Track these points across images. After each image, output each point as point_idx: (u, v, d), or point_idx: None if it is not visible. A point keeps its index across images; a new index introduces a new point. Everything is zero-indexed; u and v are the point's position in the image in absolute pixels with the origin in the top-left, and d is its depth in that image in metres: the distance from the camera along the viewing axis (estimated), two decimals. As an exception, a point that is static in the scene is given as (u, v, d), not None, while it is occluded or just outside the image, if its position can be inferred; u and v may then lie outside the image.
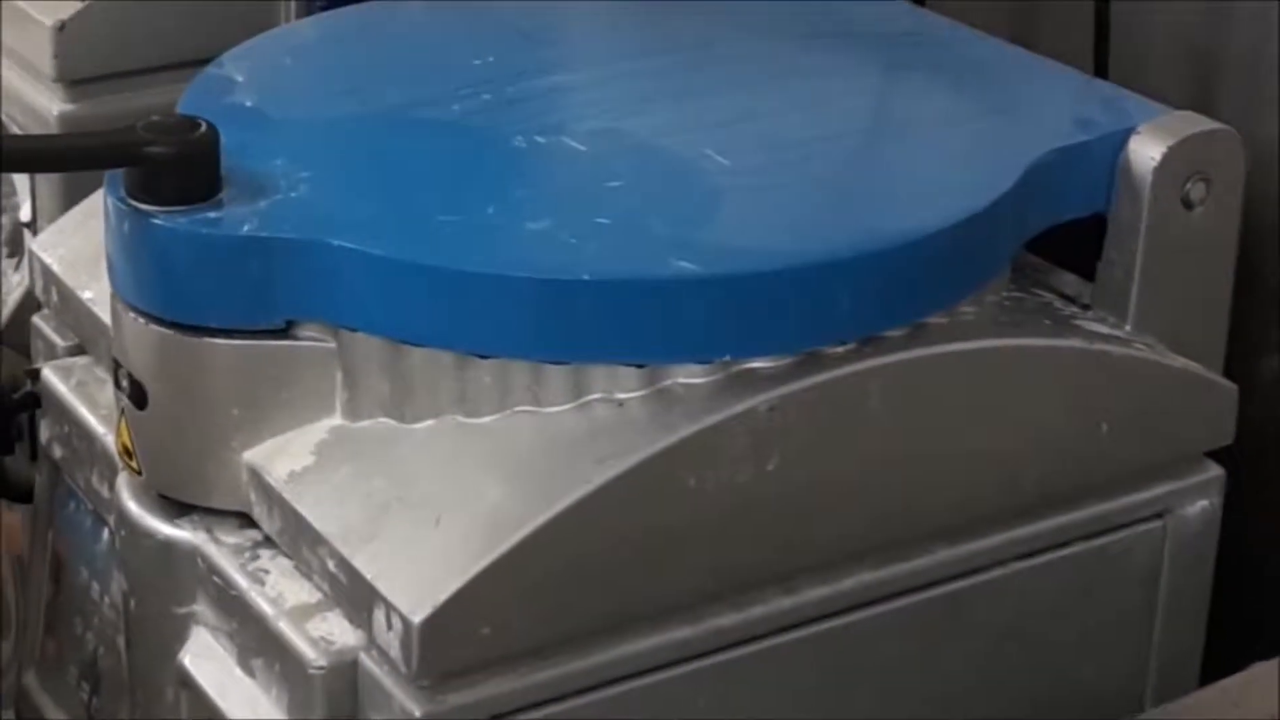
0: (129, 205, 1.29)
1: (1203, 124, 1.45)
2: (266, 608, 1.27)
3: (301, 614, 1.26)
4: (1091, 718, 1.45)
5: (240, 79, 1.48)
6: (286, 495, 1.28)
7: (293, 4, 1.85)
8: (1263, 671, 1.33)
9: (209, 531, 1.33)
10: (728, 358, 1.28)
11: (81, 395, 1.48)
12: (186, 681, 1.33)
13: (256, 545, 1.32)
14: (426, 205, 1.33)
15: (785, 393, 1.27)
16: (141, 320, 1.31)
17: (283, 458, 1.29)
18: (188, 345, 1.29)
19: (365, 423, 1.30)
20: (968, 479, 1.36)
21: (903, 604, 1.35)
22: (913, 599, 1.36)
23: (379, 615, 1.20)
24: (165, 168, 1.28)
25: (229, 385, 1.30)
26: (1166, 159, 1.43)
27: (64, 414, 1.49)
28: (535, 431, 1.27)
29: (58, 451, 1.52)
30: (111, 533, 1.42)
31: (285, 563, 1.30)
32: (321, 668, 1.23)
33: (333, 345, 1.30)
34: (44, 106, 1.81)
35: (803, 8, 1.65)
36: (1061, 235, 1.47)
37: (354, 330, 1.29)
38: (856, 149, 1.47)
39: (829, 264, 1.29)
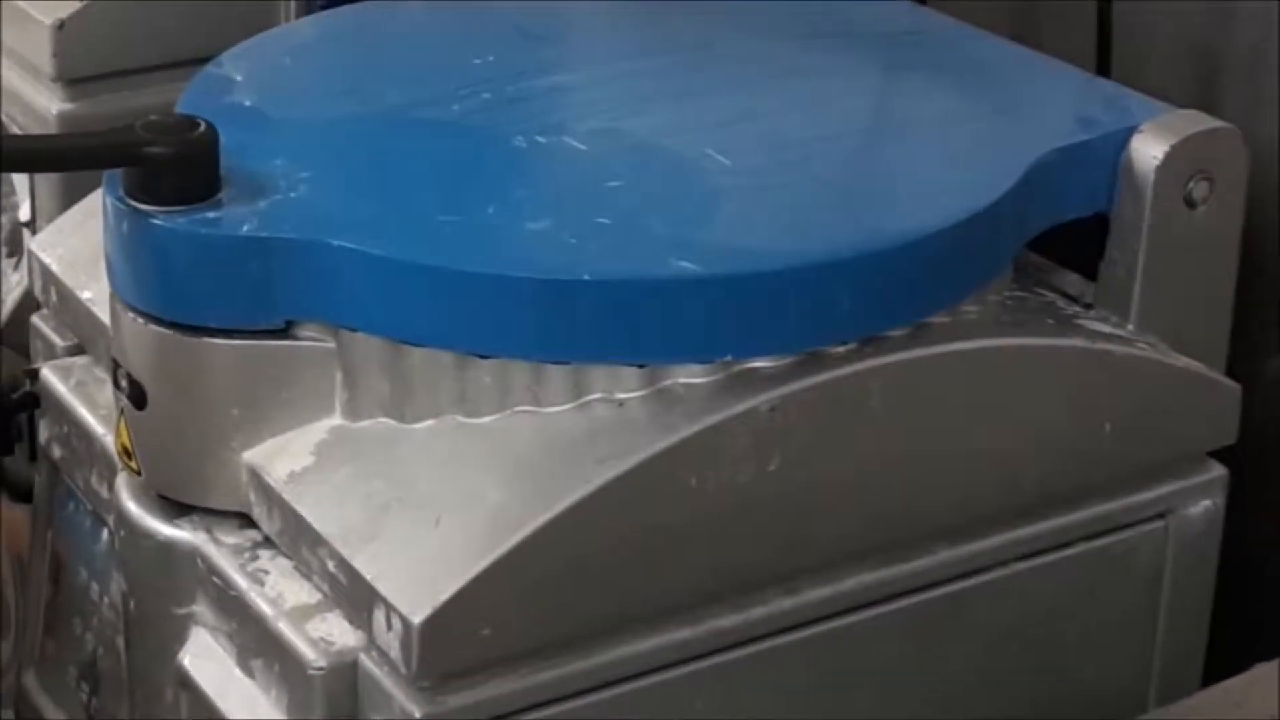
0: (128, 205, 1.29)
1: (1205, 123, 1.45)
2: (266, 608, 1.27)
3: (301, 615, 1.26)
4: (1094, 718, 1.45)
5: (240, 78, 1.48)
6: (286, 496, 1.27)
7: (292, 3, 1.85)
8: (1265, 672, 1.33)
9: (208, 532, 1.33)
10: (729, 358, 1.28)
11: (81, 395, 1.48)
12: (186, 682, 1.33)
13: (256, 546, 1.31)
14: (426, 205, 1.33)
15: (786, 393, 1.27)
16: (140, 320, 1.31)
17: (282, 458, 1.29)
18: (187, 345, 1.29)
19: (365, 423, 1.30)
20: (969, 479, 1.35)
21: (904, 605, 1.35)
22: (914, 600, 1.35)
23: (379, 616, 1.20)
24: (164, 167, 1.28)
25: (228, 385, 1.30)
26: (1169, 158, 1.42)
27: (63, 414, 1.49)
28: (535, 432, 1.27)
29: (57, 452, 1.51)
30: (111, 533, 1.42)
31: (285, 563, 1.30)
32: (321, 668, 1.23)
33: (332, 345, 1.29)
34: (43, 105, 1.81)
35: (803, 7, 1.65)
36: (1064, 234, 1.47)
37: (354, 330, 1.29)
38: (857, 148, 1.47)
39: (830, 264, 1.29)
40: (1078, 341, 1.40)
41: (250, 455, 1.30)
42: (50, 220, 1.64)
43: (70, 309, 1.50)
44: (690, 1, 1.64)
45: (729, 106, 1.48)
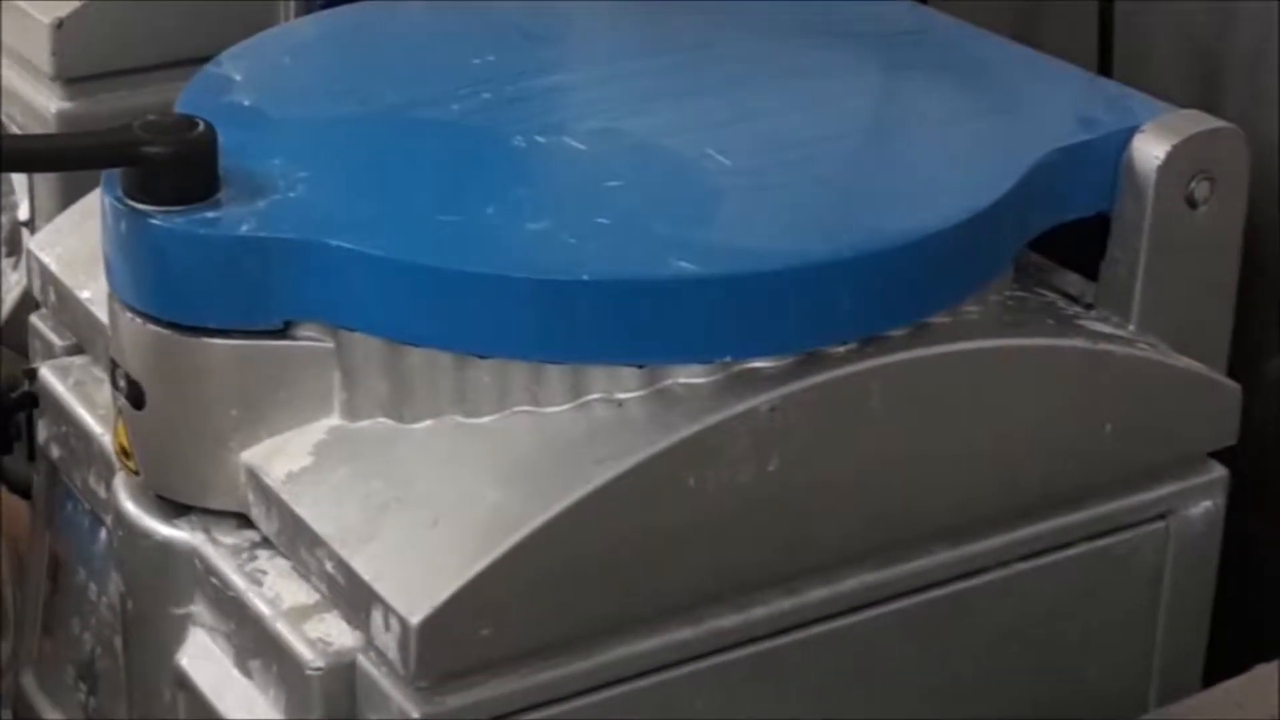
0: (126, 205, 1.29)
1: (1207, 122, 1.45)
2: (264, 609, 1.27)
3: (299, 615, 1.26)
4: (1094, 719, 1.45)
5: (239, 78, 1.48)
6: (284, 496, 1.27)
7: (292, 3, 1.84)
8: (1266, 672, 1.33)
9: (207, 532, 1.33)
10: (728, 358, 1.28)
11: (79, 395, 1.48)
12: (184, 682, 1.32)
13: (254, 546, 1.31)
14: (425, 205, 1.33)
15: (786, 393, 1.26)
16: (139, 320, 1.30)
17: (281, 458, 1.29)
18: (185, 345, 1.29)
19: (364, 423, 1.30)
20: (969, 479, 1.35)
21: (904, 605, 1.35)
22: (914, 600, 1.35)
23: (377, 616, 1.20)
24: (162, 167, 1.28)
25: (227, 385, 1.29)
26: (1170, 158, 1.42)
27: (61, 414, 1.49)
28: (534, 432, 1.27)
29: (55, 451, 1.51)
30: (109, 533, 1.41)
31: (283, 563, 1.29)
32: (319, 669, 1.23)
33: (331, 345, 1.29)
34: (42, 105, 1.81)
35: (803, 7, 1.65)
36: (1065, 234, 1.46)
37: (352, 330, 1.28)
38: (858, 148, 1.47)
39: (830, 264, 1.29)
40: (1078, 342, 1.40)
41: (248, 455, 1.30)
42: (49, 219, 1.64)
43: (68, 308, 1.50)
44: (690, 1, 1.64)
45: (729, 106, 1.48)
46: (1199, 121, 1.45)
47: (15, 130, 1.84)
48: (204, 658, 1.31)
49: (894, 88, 1.56)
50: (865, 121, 1.51)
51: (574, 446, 1.25)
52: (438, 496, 1.24)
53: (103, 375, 1.43)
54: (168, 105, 1.40)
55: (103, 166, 1.32)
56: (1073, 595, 1.42)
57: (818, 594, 1.32)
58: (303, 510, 1.26)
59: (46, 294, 1.53)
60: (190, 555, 1.32)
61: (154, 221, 1.28)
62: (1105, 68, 1.64)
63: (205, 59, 1.52)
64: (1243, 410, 1.45)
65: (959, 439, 1.34)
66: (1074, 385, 1.38)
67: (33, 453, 1.56)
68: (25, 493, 1.59)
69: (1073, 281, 1.50)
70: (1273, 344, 1.61)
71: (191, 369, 1.30)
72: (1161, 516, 1.44)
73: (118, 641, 1.43)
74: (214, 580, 1.31)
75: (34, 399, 1.52)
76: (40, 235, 1.57)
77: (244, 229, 1.27)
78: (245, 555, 1.31)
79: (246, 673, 1.29)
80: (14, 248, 1.90)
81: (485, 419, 1.28)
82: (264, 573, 1.29)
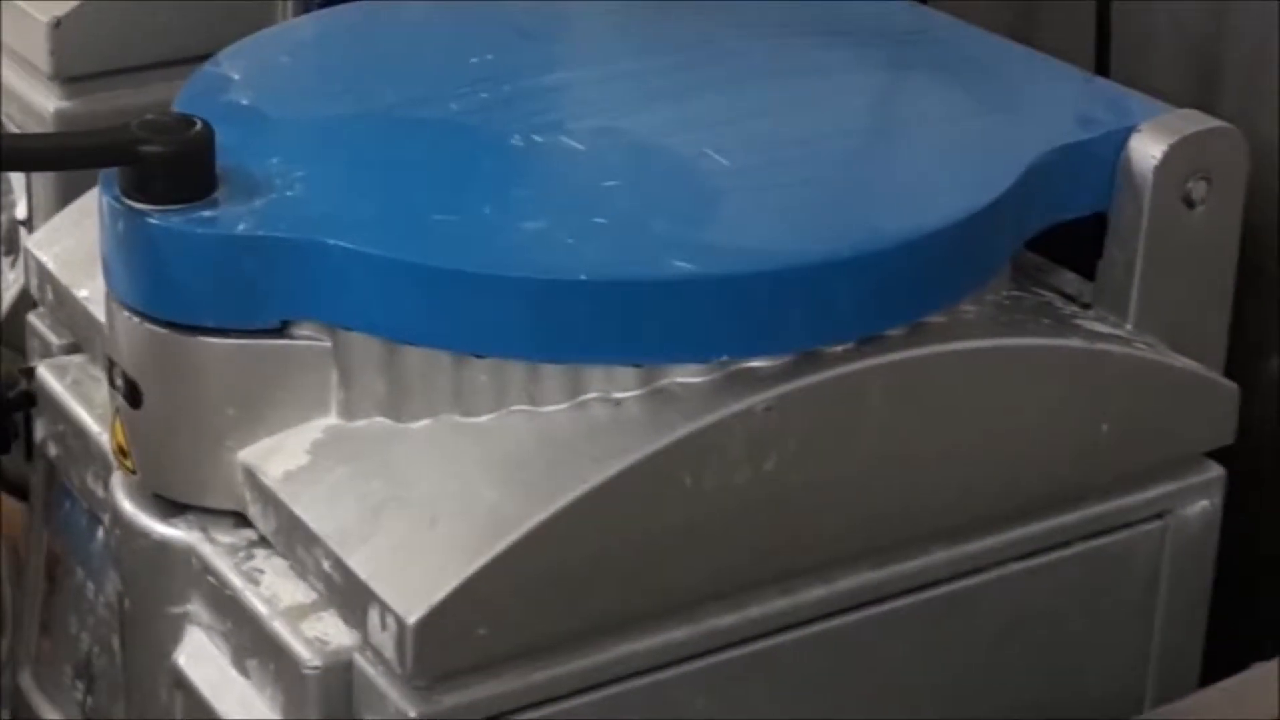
0: (123, 204, 1.29)
1: (1204, 122, 1.45)
2: (261, 608, 1.27)
3: (296, 614, 1.26)
4: (1091, 718, 1.45)
5: (237, 77, 1.48)
6: (282, 495, 1.27)
7: (290, 2, 1.84)
8: (1264, 672, 1.32)
9: (204, 531, 1.33)
10: (725, 357, 1.28)
11: (77, 394, 1.48)
12: (181, 681, 1.32)
13: (251, 545, 1.31)
14: (423, 204, 1.33)
15: (783, 392, 1.26)
16: (136, 319, 1.30)
17: (278, 457, 1.29)
18: (182, 344, 1.29)
19: (361, 422, 1.30)
20: (966, 479, 1.35)
21: (901, 605, 1.35)
22: (911, 600, 1.35)
23: (374, 615, 1.20)
24: (160, 166, 1.28)
25: (224, 384, 1.29)
26: (1168, 157, 1.42)
27: (59, 413, 1.49)
28: (532, 431, 1.27)
29: (53, 450, 1.51)
30: (106, 532, 1.41)
31: (280, 563, 1.29)
32: (316, 668, 1.23)
33: (328, 344, 1.29)
34: (40, 103, 1.81)
35: (802, 6, 1.64)
36: (1062, 234, 1.46)
37: (350, 330, 1.28)
38: (856, 148, 1.47)
39: (828, 263, 1.29)
40: (1076, 341, 1.40)
41: (246, 454, 1.30)
42: (47, 218, 1.64)
43: (66, 307, 1.50)
44: (688, 1, 1.64)
45: (727, 106, 1.48)
46: (1196, 121, 1.45)
47: (13, 129, 1.84)
48: (201, 657, 1.31)
49: (892, 87, 1.56)
50: (863, 121, 1.51)
51: (571, 446, 1.25)
52: (435, 496, 1.24)
53: (100, 374, 1.43)
54: (166, 104, 1.40)
55: (100, 165, 1.32)
56: (1070, 595, 1.42)
57: (815, 593, 1.32)
58: (300, 509, 1.26)
59: (44, 293, 1.53)
60: (187, 554, 1.32)
61: (151, 220, 1.28)
62: (1103, 67, 1.64)
63: (203, 58, 1.52)
64: (1240, 410, 1.45)
65: (956, 438, 1.34)
66: (1071, 385, 1.38)
67: (30, 452, 1.56)
68: (21, 493, 1.58)
69: (1070, 281, 1.50)
70: (1271, 343, 1.61)
71: (188, 368, 1.30)
72: (1159, 516, 1.44)
73: (115, 640, 1.43)
74: (211, 579, 1.31)
75: (32, 398, 1.52)
76: (38, 234, 1.57)
77: (241, 228, 1.27)
78: (242, 554, 1.31)
79: (243, 672, 1.29)
80: (12, 246, 1.90)
81: (482, 418, 1.28)
82: (261, 572, 1.29)
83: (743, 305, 1.27)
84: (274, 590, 1.28)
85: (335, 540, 1.23)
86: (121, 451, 1.36)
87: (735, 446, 1.25)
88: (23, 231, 1.84)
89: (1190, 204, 1.44)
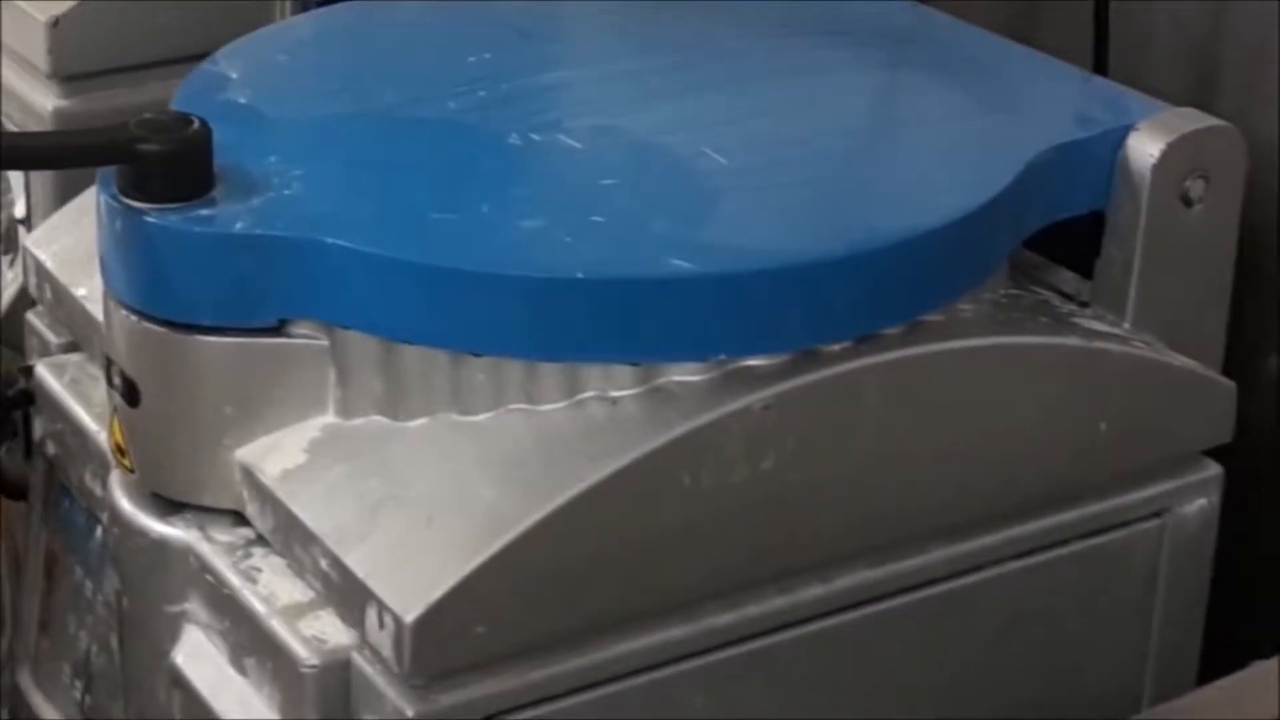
0: (121, 202, 1.29)
1: (1202, 121, 1.45)
2: (259, 606, 1.27)
3: (294, 613, 1.26)
4: (1089, 717, 1.45)
5: (234, 76, 1.48)
6: (279, 493, 1.27)
7: (288, 1, 1.84)
8: (1262, 670, 1.32)
9: (201, 529, 1.33)
10: (723, 356, 1.28)
11: (75, 392, 1.48)
12: (179, 680, 1.32)
13: (249, 543, 1.31)
14: (421, 203, 1.33)
15: (781, 391, 1.26)
16: (133, 318, 1.30)
17: (275, 456, 1.29)
18: (180, 343, 1.29)
19: (358, 421, 1.30)
20: (964, 477, 1.35)
21: (899, 603, 1.35)
22: (909, 598, 1.35)
23: (371, 614, 1.20)
24: (158, 165, 1.28)
25: (221, 383, 1.29)
26: (1165, 156, 1.42)
27: (57, 411, 1.49)
28: (529, 429, 1.27)
29: (51, 449, 1.51)
30: (105, 530, 1.41)
31: (278, 561, 1.29)
32: (313, 667, 1.23)
33: (326, 343, 1.29)
34: (39, 102, 1.81)
35: (801, 5, 1.64)
36: (1060, 232, 1.46)
37: (347, 328, 1.28)
38: (854, 147, 1.47)
39: (825, 262, 1.29)
40: (1073, 340, 1.40)
41: (243, 453, 1.30)
42: (45, 217, 1.64)
43: (64, 306, 1.50)
44: (687, 0, 1.64)
45: (725, 105, 1.48)
46: (1194, 120, 1.45)
47: (12, 128, 1.84)
48: (199, 655, 1.31)
49: (890, 86, 1.56)
50: (861, 120, 1.51)
51: (569, 444, 1.25)
52: (432, 494, 1.24)
53: (98, 373, 1.43)
54: (164, 102, 1.40)
55: (98, 164, 1.32)
56: (1067, 593, 1.42)
57: (812, 592, 1.32)
58: (297, 508, 1.26)
59: (42, 291, 1.53)
60: (185, 553, 1.32)
61: (149, 219, 1.28)
62: (1101, 66, 1.64)
63: (201, 57, 1.52)
64: (1238, 408, 1.45)
65: (954, 437, 1.34)
66: (1069, 383, 1.38)
67: (29, 450, 1.56)
68: (20, 492, 1.58)
69: (1068, 279, 1.50)
70: (1269, 342, 1.61)
71: (186, 366, 1.30)
72: (1157, 514, 1.44)
73: (113, 639, 1.43)
74: (209, 578, 1.31)
75: (30, 396, 1.52)
76: (36, 233, 1.57)
77: (239, 226, 1.27)
78: (240, 553, 1.31)
79: (241, 670, 1.29)
80: (10, 245, 1.90)
81: (480, 417, 1.28)
82: (259, 570, 1.29)
83: (740, 304, 1.27)
84: (272, 589, 1.28)
85: (333, 539, 1.23)
86: (119, 450, 1.36)
87: (733, 445, 1.25)
88: (21, 230, 1.84)
89: (1188, 202, 1.44)
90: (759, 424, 1.25)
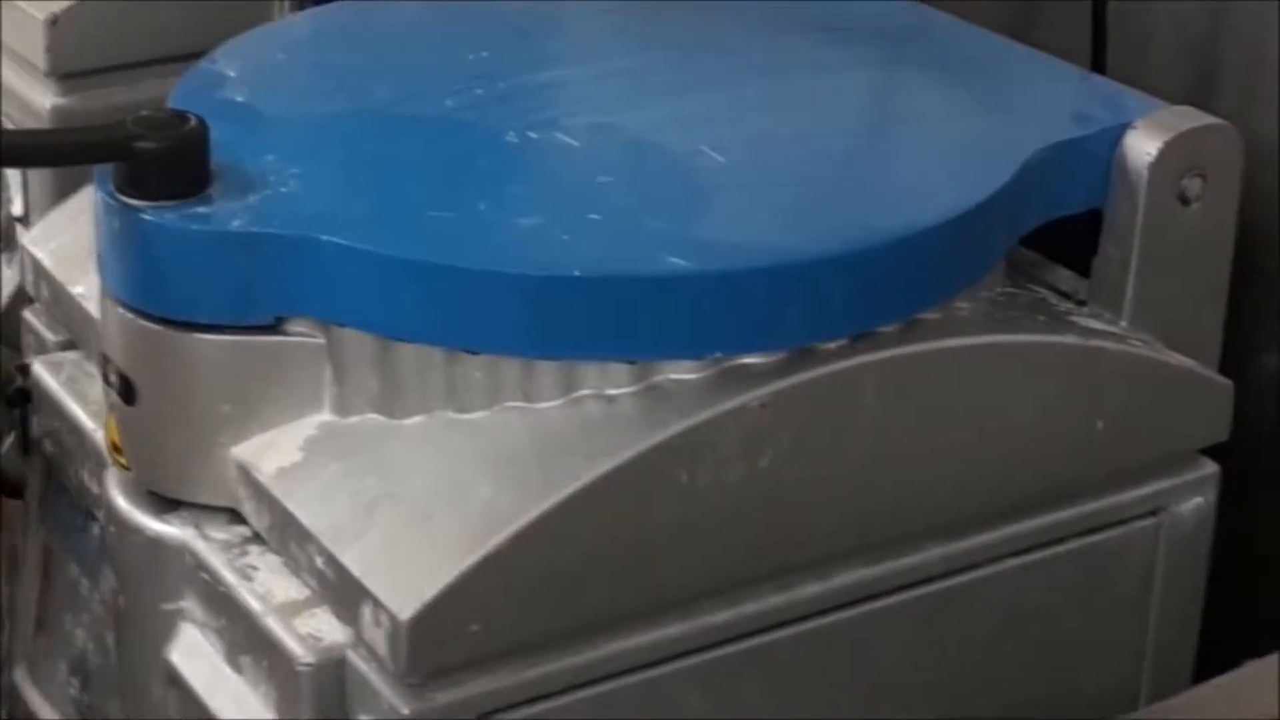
0: (118, 200, 1.29)
1: (1199, 119, 1.45)
2: (254, 604, 1.27)
3: (290, 611, 1.26)
4: (1086, 715, 1.45)
5: (232, 74, 1.48)
6: (275, 491, 1.27)
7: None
8: (1258, 669, 1.32)
9: (198, 527, 1.33)
10: (719, 354, 1.28)
11: (72, 390, 1.48)
12: (174, 678, 1.32)
13: (245, 541, 1.31)
14: (417, 201, 1.33)
15: (777, 389, 1.26)
16: (130, 315, 1.30)
17: (272, 453, 1.29)
18: (176, 341, 1.29)
19: (354, 419, 1.30)
20: (961, 475, 1.35)
21: (896, 601, 1.35)
22: (906, 596, 1.35)
23: (367, 612, 1.20)
24: (154, 163, 1.28)
25: (218, 381, 1.29)
26: (1163, 154, 1.42)
27: (54, 409, 1.49)
28: (526, 427, 1.27)
29: (48, 447, 1.51)
30: (101, 528, 1.41)
31: (274, 559, 1.29)
32: (309, 665, 1.23)
33: (322, 341, 1.29)
34: (37, 100, 1.81)
35: (800, 4, 1.64)
36: (1057, 230, 1.46)
37: (344, 326, 1.28)
38: (851, 145, 1.47)
39: (822, 260, 1.29)
40: (1070, 338, 1.40)
41: (239, 451, 1.30)
42: (42, 215, 1.64)
43: (62, 304, 1.50)
44: (684, -2, 1.65)
45: (723, 102, 1.48)
46: (1191, 118, 1.45)
47: (10, 126, 1.84)
48: (195, 653, 1.31)
49: (887, 84, 1.56)
50: (858, 118, 1.51)
51: (565, 442, 1.25)
52: (428, 492, 1.24)
53: (95, 371, 1.43)
54: (162, 100, 1.40)
55: (96, 161, 1.32)
56: (1064, 591, 1.42)
57: (809, 590, 1.32)
58: (293, 506, 1.26)
59: (40, 289, 1.53)
60: (181, 550, 1.32)
61: (145, 217, 1.28)
62: (1099, 65, 1.64)
63: (199, 55, 1.52)
64: (1235, 407, 1.45)
65: (950, 435, 1.34)
66: (1066, 382, 1.38)
67: (26, 448, 1.56)
68: (15, 491, 1.58)
69: (1065, 278, 1.50)
70: (1266, 340, 1.61)
71: (182, 364, 1.30)
72: (1153, 513, 1.44)
73: (110, 637, 1.43)
74: (205, 575, 1.30)
75: (27, 394, 1.52)
76: (34, 231, 1.57)
77: (235, 224, 1.27)
78: (236, 551, 1.31)
79: (237, 668, 1.29)
80: (8, 243, 1.90)
81: (476, 415, 1.28)
82: (255, 568, 1.29)
83: (737, 302, 1.27)
84: (267, 587, 1.28)
85: (328, 537, 1.23)
86: (116, 448, 1.36)
87: (729, 443, 1.25)
88: (19, 228, 1.84)
89: (1185, 201, 1.44)
90: (755, 422, 1.25)
